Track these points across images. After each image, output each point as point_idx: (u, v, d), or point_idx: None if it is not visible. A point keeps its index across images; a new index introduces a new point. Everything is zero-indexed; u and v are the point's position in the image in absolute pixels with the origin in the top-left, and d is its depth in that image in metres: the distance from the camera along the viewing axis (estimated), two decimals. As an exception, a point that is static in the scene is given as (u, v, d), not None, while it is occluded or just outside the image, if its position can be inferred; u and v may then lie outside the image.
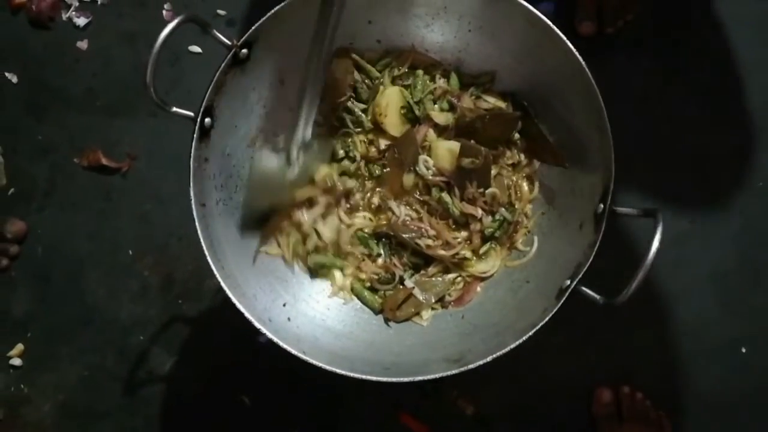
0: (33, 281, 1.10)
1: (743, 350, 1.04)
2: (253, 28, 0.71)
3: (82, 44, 1.18)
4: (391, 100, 0.83)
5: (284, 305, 0.76)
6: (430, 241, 0.81)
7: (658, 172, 1.07)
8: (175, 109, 0.68)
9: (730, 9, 1.11)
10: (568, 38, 0.70)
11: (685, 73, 1.10)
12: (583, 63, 0.69)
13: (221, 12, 1.16)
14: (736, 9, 1.11)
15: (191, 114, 0.69)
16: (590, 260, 0.65)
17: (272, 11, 0.71)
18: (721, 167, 1.08)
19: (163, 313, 1.08)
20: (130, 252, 1.10)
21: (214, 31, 0.68)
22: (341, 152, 0.84)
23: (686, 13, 1.12)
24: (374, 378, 0.64)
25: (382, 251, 0.83)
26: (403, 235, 0.81)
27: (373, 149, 0.85)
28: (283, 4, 0.71)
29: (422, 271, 0.83)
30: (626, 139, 1.05)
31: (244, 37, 0.71)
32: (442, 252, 0.81)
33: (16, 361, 1.08)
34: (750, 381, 1.03)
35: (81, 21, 1.18)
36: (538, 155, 0.83)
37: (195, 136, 0.70)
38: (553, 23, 0.71)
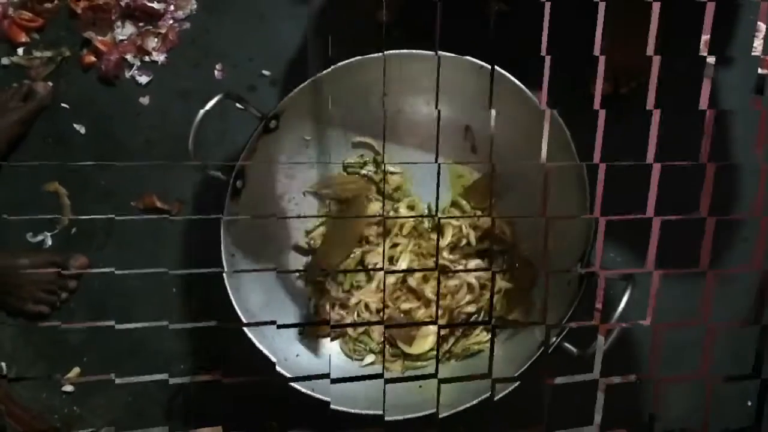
0: (90, 313, 1.23)
1: None
2: (280, 103, 0.82)
3: (144, 100, 1.32)
4: None
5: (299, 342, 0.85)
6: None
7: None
8: (211, 172, 0.79)
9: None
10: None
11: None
12: (569, 135, 0.77)
13: (266, 72, 1.28)
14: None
15: (224, 177, 0.80)
16: (568, 315, 0.71)
17: (296, 89, 0.82)
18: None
19: (203, 346, 1.18)
20: (174, 290, 1.21)
21: (249, 106, 0.80)
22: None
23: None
24: (372, 412, 0.72)
25: None
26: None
27: None
28: (305, 83, 0.82)
29: None
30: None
31: (272, 111, 0.82)
32: None
33: (70, 387, 1.20)
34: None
35: (143, 79, 1.32)
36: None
37: (227, 195, 0.81)
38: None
